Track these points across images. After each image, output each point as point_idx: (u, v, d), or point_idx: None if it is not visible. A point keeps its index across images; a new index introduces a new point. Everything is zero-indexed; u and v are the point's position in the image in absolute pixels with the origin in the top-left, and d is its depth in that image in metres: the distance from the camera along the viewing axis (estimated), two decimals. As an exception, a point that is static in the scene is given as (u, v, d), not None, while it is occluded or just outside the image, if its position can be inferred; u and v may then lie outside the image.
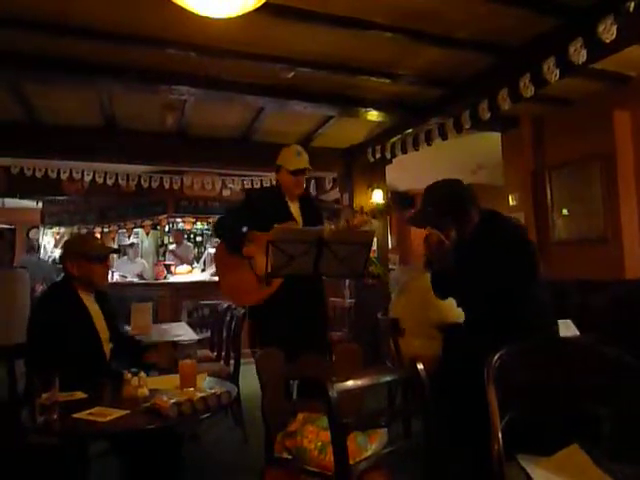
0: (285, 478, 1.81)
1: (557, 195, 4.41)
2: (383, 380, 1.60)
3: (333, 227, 2.58)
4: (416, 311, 3.35)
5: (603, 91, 3.92)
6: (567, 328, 3.07)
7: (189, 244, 7.94)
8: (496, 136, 5.05)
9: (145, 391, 1.86)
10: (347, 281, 5.96)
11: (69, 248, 2.47)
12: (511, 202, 4.97)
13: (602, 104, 3.97)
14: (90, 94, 4.01)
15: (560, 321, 3.00)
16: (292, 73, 3.46)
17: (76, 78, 3.50)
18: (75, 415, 1.69)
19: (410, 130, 4.63)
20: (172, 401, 1.62)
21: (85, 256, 2.38)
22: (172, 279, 6.82)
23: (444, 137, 4.28)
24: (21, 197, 7.23)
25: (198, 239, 8.78)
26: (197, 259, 8.02)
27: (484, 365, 1.74)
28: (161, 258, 7.90)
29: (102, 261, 2.45)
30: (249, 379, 2.22)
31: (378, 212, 2.68)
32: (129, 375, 1.91)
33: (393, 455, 1.60)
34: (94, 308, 2.45)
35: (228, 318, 3.93)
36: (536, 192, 4.61)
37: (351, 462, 1.53)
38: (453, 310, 3.30)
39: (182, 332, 3.72)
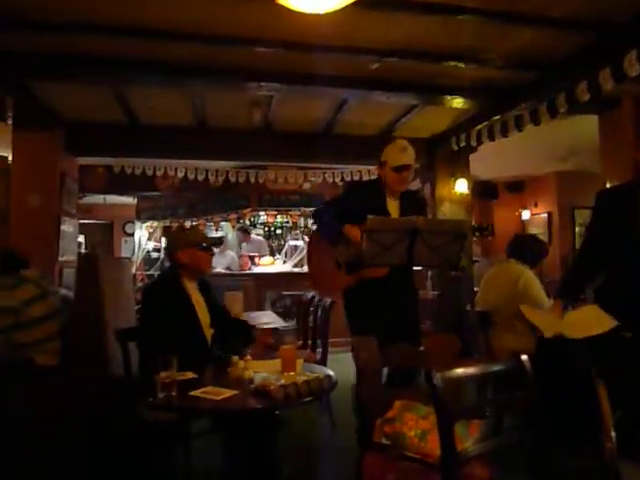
0: (384, 463, 1.84)
1: None
2: (491, 370, 1.58)
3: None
4: (506, 304, 3.25)
5: None
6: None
7: (260, 238, 8.16)
8: (589, 119, 4.73)
9: (251, 373, 1.98)
10: (429, 273, 5.89)
11: (180, 238, 2.65)
12: (609, 189, 4.64)
13: None
14: (184, 96, 4.26)
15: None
16: (377, 64, 3.47)
17: (171, 80, 3.73)
18: (191, 393, 1.84)
19: (498, 117, 4.46)
20: (279, 383, 1.71)
21: (197, 245, 2.55)
22: (256, 270, 7.09)
23: (536, 122, 4.08)
24: (120, 194, 7.83)
25: (278, 232, 9.04)
26: (278, 251, 8.26)
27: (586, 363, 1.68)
28: (243, 250, 8.23)
29: (209, 250, 2.62)
30: (335, 368, 2.28)
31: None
32: (236, 358, 2.03)
33: (498, 448, 1.58)
34: (197, 296, 2.61)
35: (313, 308, 4.03)
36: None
37: (456, 450, 1.54)
38: (546, 304, 3.18)
39: (271, 320, 3.87)
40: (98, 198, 8.46)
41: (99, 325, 3.35)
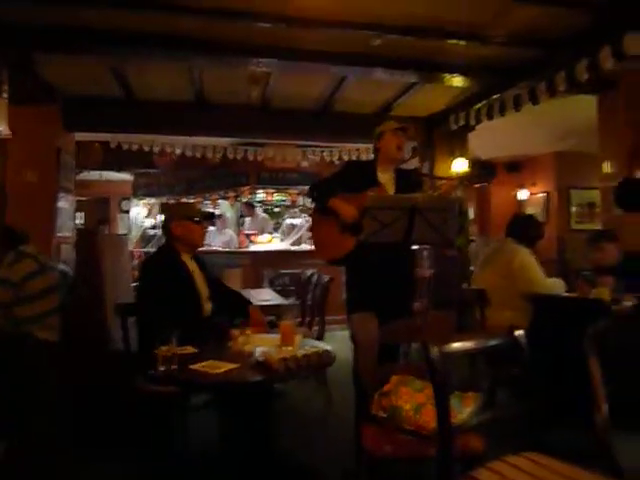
0: (381, 434, 1.90)
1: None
2: (488, 344, 1.62)
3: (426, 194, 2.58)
4: (502, 282, 3.30)
5: None
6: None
7: (264, 216, 8.17)
8: (588, 99, 4.71)
9: (251, 347, 2.01)
10: (425, 252, 5.93)
11: (176, 211, 2.70)
12: (605, 170, 4.66)
13: None
14: (182, 70, 4.21)
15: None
16: (379, 40, 3.43)
17: (170, 53, 3.68)
18: (191, 367, 1.88)
19: (497, 95, 4.44)
20: (280, 356, 1.75)
21: (190, 218, 2.61)
22: (253, 248, 7.11)
23: (535, 101, 4.06)
24: (117, 170, 7.79)
25: (276, 210, 9.04)
26: (276, 229, 8.27)
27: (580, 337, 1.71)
28: (241, 228, 8.24)
29: (201, 223, 2.68)
30: (332, 344, 2.33)
31: (465, 179, 2.63)
32: (236, 332, 2.07)
33: (492, 420, 1.63)
34: (195, 269, 2.66)
35: (311, 286, 4.08)
36: (635, 157, 4.29)
37: (450, 422, 1.58)
38: (542, 281, 3.24)
39: (270, 297, 3.92)
40: (94, 174, 8.40)
41: (99, 300, 3.39)
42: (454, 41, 3.56)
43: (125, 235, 5.22)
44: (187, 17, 3.16)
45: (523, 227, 3.50)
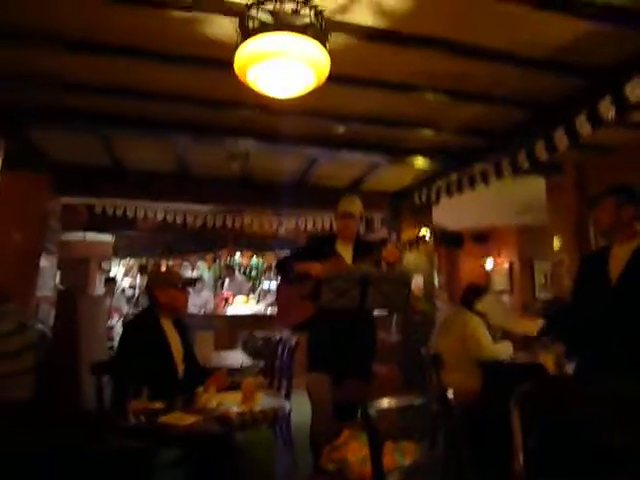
0: (329, 486, 2.08)
1: (600, 238, 4.50)
2: (415, 403, 1.87)
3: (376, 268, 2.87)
4: (455, 346, 3.58)
5: (641, 139, 4.07)
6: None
7: (242, 277, 8.43)
8: (542, 180, 5.22)
9: (214, 403, 2.21)
10: (395, 318, 6.18)
11: (159, 278, 2.90)
12: (555, 245, 5.09)
13: (640, 151, 4.11)
14: (167, 147, 4.60)
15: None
16: (343, 128, 3.88)
17: (156, 134, 4.09)
18: (159, 420, 2.07)
19: (455, 175, 4.92)
20: (237, 411, 1.96)
21: (173, 285, 2.78)
22: (230, 311, 7.28)
23: (486, 183, 4.53)
24: (99, 231, 8.00)
25: (253, 273, 9.29)
26: (252, 291, 8.50)
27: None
28: (219, 291, 8.44)
29: (184, 289, 2.87)
30: (299, 405, 2.46)
31: (415, 243, 2.91)
32: (201, 389, 2.27)
33: (420, 468, 1.84)
34: (172, 333, 2.81)
35: (280, 350, 4.25)
36: (580, 235, 4.72)
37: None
38: (490, 347, 3.53)
39: (239, 359, 4.09)
40: (77, 235, 8.61)
41: (74, 359, 3.54)
42: (411, 130, 4.04)
43: (104, 296, 5.38)
44: (167, 103, 3.58)
45: (475, 297, 3.83)
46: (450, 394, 2.01)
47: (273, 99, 3.45)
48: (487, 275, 9.20)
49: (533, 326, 2.82)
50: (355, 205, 3.08)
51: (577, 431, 2.12)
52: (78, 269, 10.22)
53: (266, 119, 3.84)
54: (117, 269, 9.32)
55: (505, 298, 8.66)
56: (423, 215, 6.03)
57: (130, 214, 6.03)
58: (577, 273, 2.70)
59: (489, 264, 9.17)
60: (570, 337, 2.86)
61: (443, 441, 2.00)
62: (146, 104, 3.63)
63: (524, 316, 7.69)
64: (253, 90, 3.25)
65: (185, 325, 2.95)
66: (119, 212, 5.98)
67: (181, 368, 2.80)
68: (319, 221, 6.99)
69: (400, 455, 2.08)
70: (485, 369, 3.41)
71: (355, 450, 2.12)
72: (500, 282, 8.84)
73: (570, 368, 3.12)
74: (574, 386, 2.33)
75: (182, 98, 3.53)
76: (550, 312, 3.63)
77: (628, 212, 2.34)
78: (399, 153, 4.60)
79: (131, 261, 8.93)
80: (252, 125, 4.02)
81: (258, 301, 7.89)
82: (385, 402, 1.76)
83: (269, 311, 7.30)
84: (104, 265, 10.05)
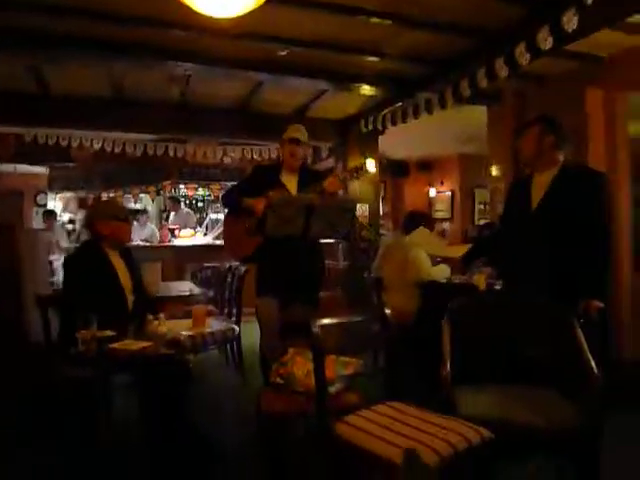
0: (276, 398, 2.25)
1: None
2: (354, 320, 2.02)
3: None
4: (397, 270, 3.78)
5: (577, 69, 4.20)
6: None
7: (188, 210, 8.28)
8: (484, 110, 5.34)
9: (164, 329, 2.28)
10: (340, 245, 6.37)
11: (100, 210, 2.84)
12: (493, 173, 5.31)
13: (576, 82, 4.26)
14: (101, 69, 4.31)
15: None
16: (286, 51, 3.77)
17: (89, 56, 3.80)
18: (110, 345, 2.12)
19: (400, 104, 4.94)
20: (187, 334, 2.05)
21: (115, 217, 2.74)
22: (176, 242, 7.22)
23: (430, 112, 4.59)
24: (31, 163, 7.55)
25: (200, 205, 9.15)
26: (199, 224, 8.41)
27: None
28: (164, 222, 8.29)
29: (126, 220, 2.83)
30: (249, 334, 2.55)
31: (360, 171, 2.98)
32: (151, 317, 2.33)
33: (361, 378, 2.03)
34: (119, 264, 2.79)
35: (230, 279, 4.34)
36: (517, 163, 4.94)
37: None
38: (428, 270, 3.75)
39: (187, 288, 4.15)
40: (8, 167, 8.08)
41: (17, 293, 3.48)
42: (355, 55, 3.97)
43: (47, 231, 5.17)
44: (105, 23, 3.32)
45: (416, 223, 4.00)
46: (388, 312, 2.18)
47: (212, 19, 3.31)
48: (430, 203, 9.53)
49: (462, 250, 3.03)
50: (302, 132, 3.07)
51: (498, 342, 2.38)
52: (10, 202, 9.69)
53: (207, 41, 3.65)
54: (54, 203, 8.90)
55: (446, 225, 9.06)
56: (369, 144, 6.06)
57: (64, 143, 5.71)
58: (505, 199, 2.89)
59: (432, 192, 9.47)
60: (496, 258, 3.12)
61: (384, 356, 2.19)
62: (80, 23, 3.35)
63: (461, 242, 8.13)
64: (191, 9, 3.09)
65: (132, 256, 2.93)
66: (51, 141, 5.65)
67: (130, 299, 2.82)
68: (265, 151, 6.91)
69: (342, 367, 2.26)
70: (423, 290, 3.64)
71: (300, 365, 2.27)
72: (442, 209, 9.20)
73: (499, 287, 3.41)
74: (497, 301, 2.58)
75: (117, 17, 3.28)
76: (482, 237, 3.88)
77: (549, 141, 2.48)
78: (344, 79, 4.53)
79: (69, 194, 8.53)
80: (192, 47, 3.81)
81: (206, 234, 7.83)
82: (328, 320, 1.89)
83: (218, 242, 7.30)
84: (40, 199, 9.57)
